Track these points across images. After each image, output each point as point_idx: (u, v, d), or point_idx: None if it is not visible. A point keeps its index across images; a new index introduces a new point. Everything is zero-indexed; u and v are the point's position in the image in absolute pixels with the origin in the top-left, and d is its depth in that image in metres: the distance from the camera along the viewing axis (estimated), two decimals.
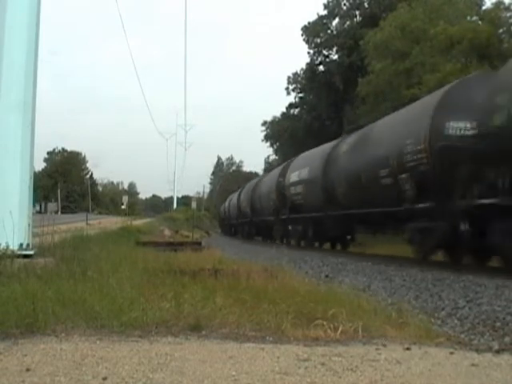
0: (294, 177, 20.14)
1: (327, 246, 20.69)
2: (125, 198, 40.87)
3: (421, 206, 11.48)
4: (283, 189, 22.09)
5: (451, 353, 3.99)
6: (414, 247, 12.91)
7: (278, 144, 51.52)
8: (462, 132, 10.73)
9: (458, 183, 10.39)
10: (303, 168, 19.18)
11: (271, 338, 4.15)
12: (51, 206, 24.26)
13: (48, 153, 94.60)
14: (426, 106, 12.30)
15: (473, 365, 3.63)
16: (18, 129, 8.65)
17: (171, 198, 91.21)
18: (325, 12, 41.20)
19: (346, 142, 17.11)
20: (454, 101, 11.16)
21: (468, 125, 10.73)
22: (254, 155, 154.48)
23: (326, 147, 19.03)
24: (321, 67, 42.79)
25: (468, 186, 10.29)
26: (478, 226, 9.92)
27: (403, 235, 13.72)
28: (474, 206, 9.97)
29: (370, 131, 15.42)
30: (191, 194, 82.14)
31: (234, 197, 38.93)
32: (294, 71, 46.71)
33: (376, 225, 15.62)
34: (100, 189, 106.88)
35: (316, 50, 42.11)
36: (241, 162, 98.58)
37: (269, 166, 53.57)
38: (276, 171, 26.21)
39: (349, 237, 19.16)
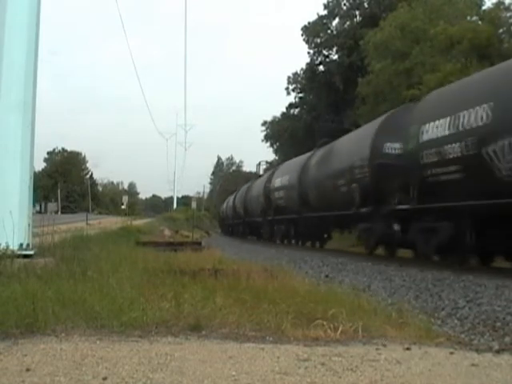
0: (277, 182, 23.91)
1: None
2: (125, 198, 40.90)
3: (363, 210, 14.48)
4: (269, 193, 25.25)
5: (451, 353, 3.99)
6: (362, 243, 15.90)
7: (277, 144, 51.52)
8: (394, 152, 13.56)
9: (388, 192, 13.29)
10: (285, 175, 23.15)
11: (271, 338, 4.15)
12: (51, 205, 24.26)
13: (48, 153, 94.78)
14: (369, 130, 15.25)
15: (473, 365, 3.63)
16: (17, 129, 8.65)
17: (171, 198, 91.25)
18: (325, 12, 41.24)
19: (316, 155, 20.07)
20: (389, 127, 13.94)
21: (398, 146, 13.41)
22: (254, 155, 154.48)
23: (302, 158, 22.43)
24: (321, 67, 42.81)
25: (395, 195, 13.13)
26: (403, 226, 12.65)
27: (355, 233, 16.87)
28: (396, 210, 12.82)
29: (333, 147, 18.32)
30: (191, 194, 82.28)
31: (230, 198, 41.54)
32: (294, 71, 46.81)
33: (339, 225, 18.44)
34: (100, 189, 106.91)
35: (316, 49, 42.12)
36: (241, 162, 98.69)
37: (267, 168, 54.12)
38: (264, 177, 28.97)
39: (326, 235, 21.27)
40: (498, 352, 4.44)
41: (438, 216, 11.28)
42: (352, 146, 16.06)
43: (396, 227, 12.93)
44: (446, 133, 10.87)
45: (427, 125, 11.63)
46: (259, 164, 54.69)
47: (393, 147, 13.60)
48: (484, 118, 9.86)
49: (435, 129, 11.29)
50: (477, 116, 10.01)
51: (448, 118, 10.84)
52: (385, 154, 13.72)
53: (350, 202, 15.16)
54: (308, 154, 21.95)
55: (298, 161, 23.11)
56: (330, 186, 17.08)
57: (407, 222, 12.40)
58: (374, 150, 14.01)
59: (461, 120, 10.44)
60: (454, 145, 10.58)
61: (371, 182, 14.06)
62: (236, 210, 36.04)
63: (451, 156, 10.67)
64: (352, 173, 15.16)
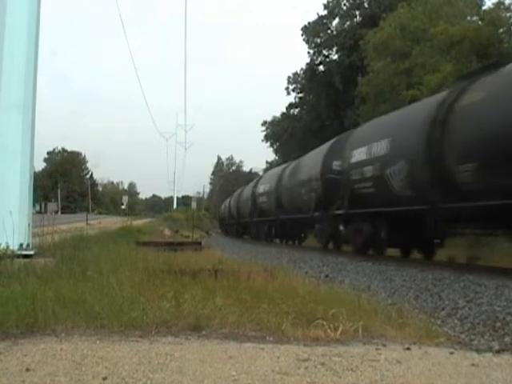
0: (261, 188, 28.23)
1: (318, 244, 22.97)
2: (125, 198, 40.89)
3: (316, 214, 18.12)
4: (255, 197, 29.22)
5: (451, 353, 3.99)
6: (318, 241, 20.02)
7: (277, 144, 51.54)
8: (338, 168, 16.72)
9: (333, 200, 16.77)
10: (266, 183, 27.62)
11: (271, 338, 4.15)
12: (51, 205, 24.19)
13: (48, 153, 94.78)
14: (323, 150, 19.06)
15: (473, 365, 3.63)
16: (18, 129, 8.66)
17: (171, 198, 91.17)
18: (325, 12, 41.26)
19: (289, 167, 23.92)
20: (335, 149, 17.49)
21: (340, 163, 16.59)
22: (254, 155, 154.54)
23: (279, 168, 27.35)
24: (321, 67, 42.83)
25: (336, 202, 16.49)
26: (345, 226, 16.36)
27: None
28: (334, 214, 16.48)
29: (300, 161, 22.16)
30: (191, 194, 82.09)
31: (227, 201, 45.46)
32: (294, 71, 46.86)
33: (306, 226, 21.74)
34: (100, 189, 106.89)
35: (316, 50, 42.13)
36: (241, 162, 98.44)
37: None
38: (253, 182, 33.07)
39: (302, 235, 24.28)
40: (498, 352, 4.45)
41: (362, 219, 14.72)
42: (311, 162, 19.79)
43: (341, 227, 16.51)
44: (364, 158, 14.26)
45: (354, 150, 15.09)
46: (251, 170, 56.67)
47: (337, 165, 16.88)
48: (385, 148, 13.15)
49: (358, 154, 14.72)
50: (381, 147, 13.32)
51: (366, 147, 14.29)
52: (332, 170, 17.14)
53: (309, 208, 18.83)
54: (284, 165, 26.32)
55: (276, 170, 27.75)
56: (297, 193, 20.81)
57: (346, 224, 16.08)
58: (324, 166, 17.79)
59: (373, 149, 13.78)
60: (368, 167, 13.94)
61: (322, 192, 17.85)
62: (231, 211, 39.38)
63: (367, 175, 14.07)
64: (310, 184, 18.95)
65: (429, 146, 11.08)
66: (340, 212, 16.04)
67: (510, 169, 8.59)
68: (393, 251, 15.17)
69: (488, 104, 9.59)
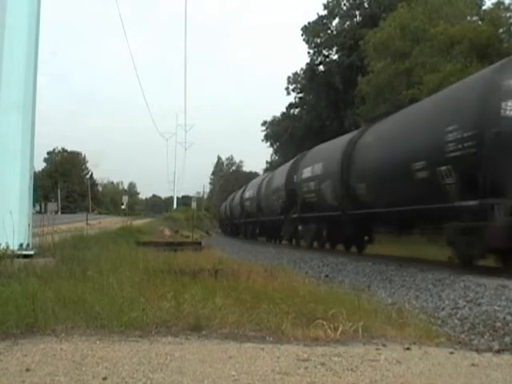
0: (247, 194, 33.58)
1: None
2: (125, 198, 40.85)
3: (282, 217, 22.94)
4: (243, 202, 34.05)
5: (451, 353, 3.99)
6: (283, 237, 24.91)
7: (277, 144, 51.50)
8: (297, 181, 20.83)
9: (292, 207, 21.05)
10: (250, 190, 33.19)
11: (271, 338, 4.15)
12: (51, 205, 24.17)
13: (48, 153, 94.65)
14: (287, 166, 23.95)
15: (473, 365, 3.63)
16: (18, 129, 8.65)
17: (171, 198, 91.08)
18: (325, 12, 41.19)
19: (266, 178, 29.10)
20: (294, 166, 22.01)
21: (296, 177, 20.98)
22: (254, 155, 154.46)
23: (260, 178, 33.26)
24: (321, 67, 42.77)
25: (294, 208, 20.92)
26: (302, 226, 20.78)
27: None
28: (293, 217, 20.90)
29: (274, 173, 27.55)
30: (191, 193, 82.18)
31: (224, 203, 50.01)
32: (294, 71, 46.79)
33: (278, 226, 25.14)
34: (100, 189, 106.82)
35: (316, 49, 42.08)
36: (241, 162, 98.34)
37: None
38: (242, 189, 38.19)
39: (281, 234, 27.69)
40: (498, 352, 4.45)
41: (310, 221, 19.26)
42: (280, 175, 24.58)
43: (300, 227, 20.78)
44: (310, 175, 18.92)
45: (304, 169, 19.85)
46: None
47: (295, 178, 21.16)
48: (320, 169, 17.77)
49: (306, 172, 19.42)
50: (319, 168, 17.95)
51: (311, 167, 18.99)
52: (293, 182, 21.34)
53: (278, 211, 23.82)
54: (263, 176, 32.89)
55: (258, 179, 33.77)
56: (270, 199, 25.55)
57: (302, 224, 20.59)
58: (287, 179, 22.31)
59: (314, 169, 18.40)
60: (312, 182, 18.48)
61: (286, 200, 22.29)
62: (226, 213, 44.23)
63: (311, 188, 18.55)
64: (279, 192, 23.63)
65: (341, 170, 15.66)
66: (295, 215, 20.67)
67: (381, 189, 13.13)
68: (393, 249, 15.28)
69: (372, 146, 14.22)
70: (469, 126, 9.57)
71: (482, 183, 9.38)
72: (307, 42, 42.03)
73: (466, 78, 12.13)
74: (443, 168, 10.35)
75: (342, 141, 17.47)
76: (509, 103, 9.50)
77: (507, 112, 9.41)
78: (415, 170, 11.26)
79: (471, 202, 9.70)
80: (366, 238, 16.48)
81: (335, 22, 41.23)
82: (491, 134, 9.15)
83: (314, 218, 18.64)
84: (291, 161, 23.67)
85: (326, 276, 12.05)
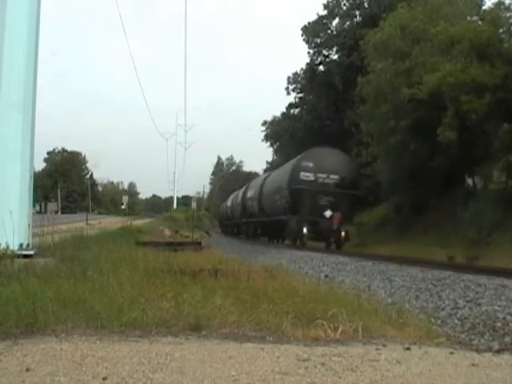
0: (229, 203, 45.21)
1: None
2: (125, 198, 40.85)
3: (243, 220, 35.97)
4: (245, 201, 37.33)
5: (451, 353, 3.99)
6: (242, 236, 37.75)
7: (278, 144, 51.50)
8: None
9: (252, 212, 33.43)
10: (229, 199, 46.32)
11: (271, 338, 4.15)
12: (51, 205, 24.19)
13: (48, 153, 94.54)
14: (260, 180, 34.02)
15: (473, 365, 3.63)
16: (18, 129, 8.65)
17: (171, 198, 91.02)
18: (325, 12, 41.17)
19: (249, 187, 37.34)
20: (249, 185, 37.63)
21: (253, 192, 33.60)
22: (254, 155, 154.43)
23: (238, 192, 41.62)
24: (321, 67, 42.73)
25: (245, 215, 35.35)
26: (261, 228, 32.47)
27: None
28: (248, 222, 34.73)
29: (245, 189, 37.93)
30: (191, 194, 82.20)
31: (225, 202, 53.22)
32: (294, 71, 46.76)
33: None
34: (100, 189, 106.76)
35: (316, 50, 42.04)
36: (241, 162, 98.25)
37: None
38: (244, 188, 42.07)
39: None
40: (498, 352, 4.45)
41: (251, 224, 33.05)
42: (252, 188, 34.64)
43: (251, 228, 33.15)
44: (252, 195, 32.29)
45: (251, 190, 33.84)
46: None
47: (244, 197, 34.80)
48: (256, 192, 31.21)
49: (251, 192, 33.32)
50: (256, 191, 31.42)
51: (254, 189, 32.84)
52: (244, 198, 34.39)
53: (240, 216, 36.79)
54: (243, 188, 39.59)
55: (234, 194, 44.51)
56: (240, 207, 37.07)
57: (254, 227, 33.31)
58: (243, 197, 35.76)
59: (255, 191, 31.27)
60: (253, 197, 31.98)
61: (241, 211, 35.77)
62: (227, 213, 47.34)
63: (253, 203, 31.83)
64: (252, 202, 32.98)
65: (259, 195, 29.11)
66: (244, 220, 35.39)
67: (266, 206, 28.18)
68: (393, 249, 15.22)
69: (265, 184, 29.92)
70: (286, 183, 23.35)
71: (288, 208, 22.98)
72: (307, 42, 42.01)
73: (288, 163, 27.35)
74: (283, 200, 23.80)
75: (260, 179, 34.99)
76: (303, 173, 22.41)
77: (303, 177, 22.29)
78: (276, 199, 25.07)
79: (283, 217, 23.22)
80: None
81: (335, 22, 41.22)
82: (293, 187, 22.20)
83: (252, 222, 33.16)
84: (264, 175, 36.96)
85: (326, 276, 12.05)
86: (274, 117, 52.00)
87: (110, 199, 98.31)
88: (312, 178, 22.08)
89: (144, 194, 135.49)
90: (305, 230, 21.22)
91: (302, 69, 45.34)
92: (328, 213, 21.31)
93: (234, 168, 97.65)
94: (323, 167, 22.37)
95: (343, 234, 21.47)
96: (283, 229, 24.36)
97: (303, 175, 22.25)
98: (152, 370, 3.20)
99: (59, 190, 77.78)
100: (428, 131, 20.57)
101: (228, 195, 53.22)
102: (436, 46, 22.32)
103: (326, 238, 22.07)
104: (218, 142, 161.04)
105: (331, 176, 22.35)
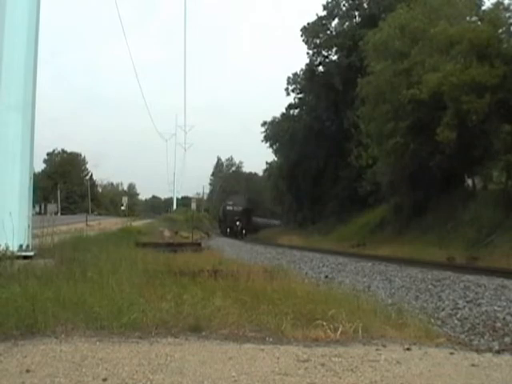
0: (221, 210, 65.16)
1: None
2: (124, 199, 40.89)
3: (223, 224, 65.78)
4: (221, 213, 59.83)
5: (451, 353, 3.99)
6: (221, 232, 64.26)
7: (277, 145, 51.51)
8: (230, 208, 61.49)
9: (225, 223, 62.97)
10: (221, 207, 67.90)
11: (271, 339, 4.15)
12: (51, 207, 24.26)
13: (48, 154, 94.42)
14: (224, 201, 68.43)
15: (473, 365, 3.63)
16: (17, 129, 8.64)
17: (171, 199, 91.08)
18: (324, 13, 41.23)
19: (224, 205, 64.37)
20: (230, 201, 63.13)
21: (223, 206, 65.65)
22: (254, 156, 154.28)
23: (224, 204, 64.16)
24: (320, 68, 42.78)
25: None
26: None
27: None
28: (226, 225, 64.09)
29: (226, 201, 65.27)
30: (191, 194, 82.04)
31: (221, 206, 68.66)
32: (294, 72, 46.78)
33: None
34: (100, 190, 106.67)
35: (315, 50, 42.08)
36: (241, 162, 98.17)
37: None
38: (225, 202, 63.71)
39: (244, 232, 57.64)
40: (498, 352, 4.45)
41: (227, 226, 59.84)
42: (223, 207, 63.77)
43: (228, 230, 58.40)
44: (233, 209, 60.45)
45: (229, 202, 63.01)
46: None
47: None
48: (244, 203, 60.81)
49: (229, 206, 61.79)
50: (241, 202, 60.30)
51: (231, 201, 61.37)
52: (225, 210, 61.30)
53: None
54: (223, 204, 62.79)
55: (222, 206, 64.24)
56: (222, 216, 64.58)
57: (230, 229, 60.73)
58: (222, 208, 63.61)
59: (236, 201, 61.01)
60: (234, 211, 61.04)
61: (224, 218, 61.94)
62: (220, 216, 63.84)
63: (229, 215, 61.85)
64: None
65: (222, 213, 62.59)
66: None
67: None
68: (393, 249, 15.20)
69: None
70: (221, 210, 63.06)
71: (222, 220, 62.91)
72: (307, 42, 42.06)
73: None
74: (221, 216, 63.59)
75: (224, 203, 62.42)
76: (227, 207, 59.39)
77: (227, 208, 59.11)
78: (235, 220, 57.72)
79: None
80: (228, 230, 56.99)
81: (334, 22, 41.30)
82: (224, 211, 60.55)
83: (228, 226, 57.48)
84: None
85: (326, 276, 12.05)
86: (274, 117, 52.07)
87: (109, 200, 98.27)
88: (231, 208, 57.29)
89: (144, 194, 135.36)
90: (228, 230, 55.66)
91: (301, 69, 45.44)
92: (237, 223, 55.64)
93: (233, 169, 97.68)
94: (235, 203, 57.54)
95: (244, 232, 54.08)
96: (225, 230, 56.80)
97: (227, 206, 58.07)
98: (152, 370, 3.20)
99: (59, 191, 77.68)
100: (428, 132, 20.58)
101: (228, 196, 63.13)
102: (435, 46, 22.33)
103: (236, 234, 52.97)
104: (218, 143, 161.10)
105: (239, 207, 56.84)
